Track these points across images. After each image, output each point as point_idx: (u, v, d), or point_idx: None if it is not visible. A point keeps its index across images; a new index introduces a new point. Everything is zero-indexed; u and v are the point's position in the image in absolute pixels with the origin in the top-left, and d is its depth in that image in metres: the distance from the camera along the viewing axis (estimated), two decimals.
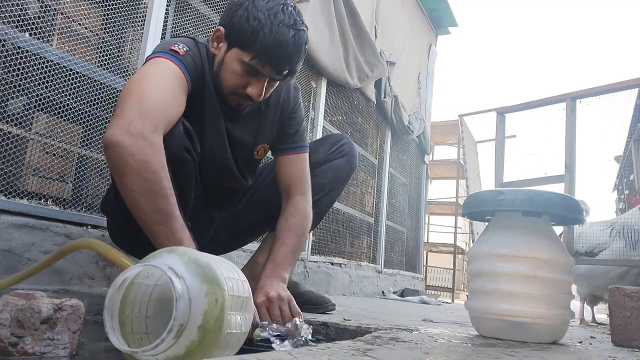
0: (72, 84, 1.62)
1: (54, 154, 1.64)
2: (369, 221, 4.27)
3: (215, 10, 2.29)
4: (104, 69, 1.77)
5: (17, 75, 1.46)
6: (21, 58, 1.46)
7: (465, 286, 7.02)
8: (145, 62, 1.21)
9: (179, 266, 0.75)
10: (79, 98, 1.65)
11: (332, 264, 3.46)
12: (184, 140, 1.19)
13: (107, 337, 0.73)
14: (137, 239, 1.06)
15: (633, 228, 2.67)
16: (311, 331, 1.13)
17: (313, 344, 1.06)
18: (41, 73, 1.52)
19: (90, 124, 1.71)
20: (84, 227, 1.60)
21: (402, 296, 4.16)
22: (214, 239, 1.62)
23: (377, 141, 4.51)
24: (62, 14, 1.67)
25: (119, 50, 1.87)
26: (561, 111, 2.75)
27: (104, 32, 1.80)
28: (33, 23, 1.51)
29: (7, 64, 1.44)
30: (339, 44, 3.40)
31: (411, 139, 5.13)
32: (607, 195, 4.96)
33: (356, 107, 4.06)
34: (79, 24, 1.72)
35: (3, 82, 1.44)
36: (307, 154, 1.53)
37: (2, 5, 1.42)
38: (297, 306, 1.24)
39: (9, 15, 1.43)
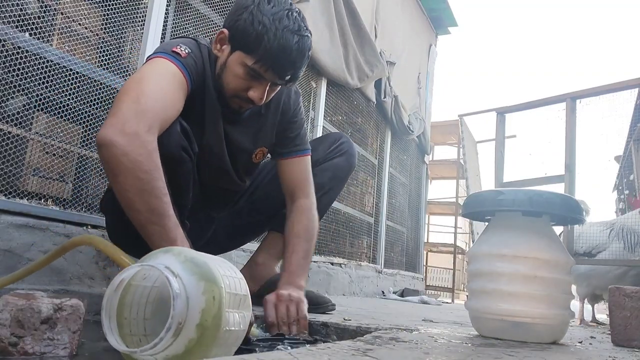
0: (72, 84, 1.62)
1: (54, 154, 1.64)
2: (369, 221, 4.27)
3: (215, 10, 2.28)
4: (104, 69, 1.77)
5: (17, 75, 1.46)
6: (21, 58, 1.46)
7: (465, 286, 7.03)
8: (146, 62, 1.21)
9: (176, 265, 0.75)
10: (79, 98, 1.65)
11: (332, 264, 3.46)
12: (181, 140, 1.19)
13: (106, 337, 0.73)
14: (134, 239, 1.07)
15: (632, 230, 2.67)
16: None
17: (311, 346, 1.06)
18: (41, 73, 1.52)
19: (90, 124, 1.71)
20: (84, 227, 1.60)
21: (402, 296, 4.16)
22: (212, 239, 1.62)
23: (377, 141, 4.51)
24: (62, 14, 1.67)
25: (119, 50, 1.87)
26: (561, 111, 2.75)
27: (104, 32, 1.80)
28: (33, 23, 1.51)
29: (7, 64, 1.44)
30: (339, 44, 3.40)
31: (411, 139, 5.13)
32: (607, 195, 4.96)
33: (356, 107, 4.06)
34: (79, 24, 1.72)
35: (3, 82, 1.44)
36: (309, 157, 1.53)
37: (2, 5, 1.42)
38: (305, 310, 1.24)
39: (9, 15, 1.43)
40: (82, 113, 1.67)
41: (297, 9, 1.25)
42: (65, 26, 1.68)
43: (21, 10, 1.47)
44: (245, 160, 1.48)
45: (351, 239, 3.95)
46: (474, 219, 1.61)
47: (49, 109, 1.58)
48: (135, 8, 1.87)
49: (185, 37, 1.32)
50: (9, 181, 1.44)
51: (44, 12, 1.60)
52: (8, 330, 0.77)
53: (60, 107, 1.59)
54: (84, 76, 1.67)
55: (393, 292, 4.25)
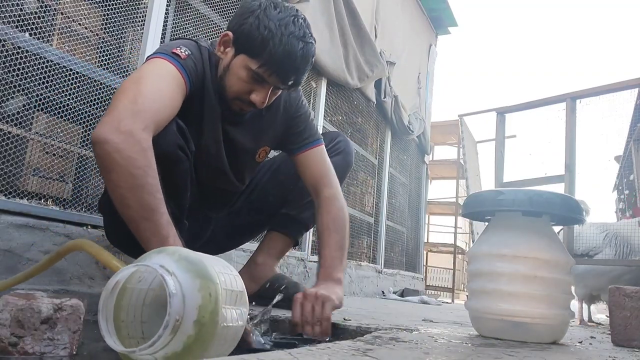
0: (72, 84, 1.62)
1: (54, 154, 1.64)
2: (369, 221, 4.27)
3: (216, 10, 2.28)
4: (104, 69, 1.77)
5: (17, 75, 1.46)
6: (21, 58, 1.46)
7: (465, 286, 7.02)
8: (145, 62, 1.21)
9: (170, 264, 0.75)
10: (79, 98, 1.65)
11: None
12: (177, 139, 1.19)
13: None
14: (132, 239, 1.06)
15: (625, 240, 2.66)
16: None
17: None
18: (41, 73, 1.52)
19: (90, 124, 1.71)
20: (84, 227, 1.60)
21: (402, 296, 4.16)
22: (211, 239, 1.62)
23: (377, 141, 4.51)
24: (62, 14, 1.67)
25: (119, 50, 1.87)
26: (561, 111, 2.75)
27: (104, 32, 1.80)
28: (33, 23, 1.51)
29: (7, 64, 1.44)
30: (339, 44, 3.40)
31: (411, 139, 5.13)
32: (607, 195, 4.97)
33: (356, 107, 4.06)
34: (79, 24, 1.72)
35: (3, 82, 1.44)
36: (323, 147, 1.53)
37: (2, 5, 1.42)
38: (328, 310, 1.23)
39: (9, 15, 1.43)
40: (82, 113, 1.67)
41: (302, 16, 1.26)
42: (65, 26, 1.68)
43: (21, 10, 1.47)
44: (249, 161, 1.49)
45: (351, 239, 3.95)
46: (474, 219, 1.61)
47: (49, 109, 1.58)
48: (135, 8, 1.87)
49: (186, 38, 1.32)
50: (9, 181, 1.44)
51: (44, 12, 1.60)
52: (8, 330, 0.77)
53: (60, 107, 1.59)
54: (84, 76, 1.67)
55: (393, 292, 4.25)
